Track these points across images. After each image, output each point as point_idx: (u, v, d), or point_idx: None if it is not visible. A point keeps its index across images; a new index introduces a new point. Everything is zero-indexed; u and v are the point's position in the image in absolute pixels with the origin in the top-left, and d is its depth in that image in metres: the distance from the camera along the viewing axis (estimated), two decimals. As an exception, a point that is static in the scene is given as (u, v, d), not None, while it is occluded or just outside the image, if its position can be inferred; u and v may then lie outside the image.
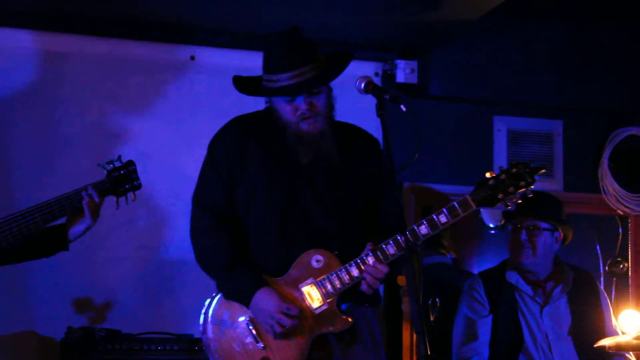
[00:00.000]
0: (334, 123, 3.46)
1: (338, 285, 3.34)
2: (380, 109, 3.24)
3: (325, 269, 3.35)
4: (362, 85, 3.28)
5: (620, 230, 6.21)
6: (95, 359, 4.55)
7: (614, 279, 6.18)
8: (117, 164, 3.86)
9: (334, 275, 3.34)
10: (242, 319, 3.39)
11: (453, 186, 5.79)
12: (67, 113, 5.17)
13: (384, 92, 3.24)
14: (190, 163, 5.25)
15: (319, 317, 3.35)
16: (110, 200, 3.94)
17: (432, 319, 5.76)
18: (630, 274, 6.14)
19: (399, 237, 3.28)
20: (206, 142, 5.25)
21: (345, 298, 3.41)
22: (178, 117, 5.34)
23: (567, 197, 5.79)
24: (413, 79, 5.69)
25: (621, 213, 6.07)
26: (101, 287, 5.11)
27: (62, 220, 3.82)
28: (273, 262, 3.41)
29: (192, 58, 5.40)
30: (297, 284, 3.37)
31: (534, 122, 6.03)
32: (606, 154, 6.01)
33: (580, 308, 4.65)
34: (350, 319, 3.37)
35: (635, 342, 4.32)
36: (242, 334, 3.38)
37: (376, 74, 5.63)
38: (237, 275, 3.39)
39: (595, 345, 4.44)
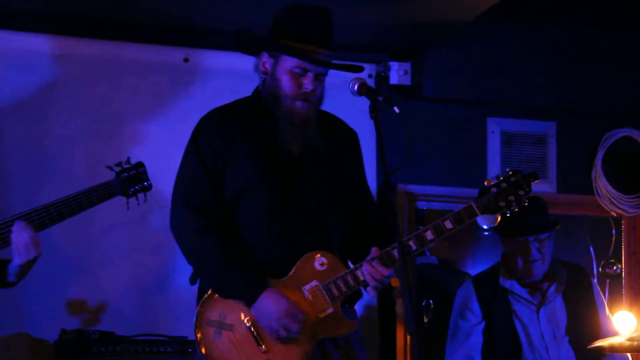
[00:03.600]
0: (319, 113, 3.44)
1: (344, 289, 3.27)
2: (374, 111, 3.23)
3: (329, 271, 3.28)
4: (356, 87, 3.27)
5: (614, 232, 6.22)
6: (89, 361, 4.55)
7: (608, 280, 6.19)
8: (126, 166, 3.82)
9: (340, 278, 3.27)
10: (242, 320, 3.27)
11: (446, 188, 5.80)
12: (60, 115, 5.17)
13: (377, 93, 3.23)
14: (184, 165, 5.28)
15: (324, 321, 3.27)
16: (111, 200, 3.93)
17: (425, 320, 5.79)
18: (623, 275, 6.15)
19: (406, 241, 3.26)
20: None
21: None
22: (172, 119, 5.33)
23: (560, 199, 5.82)
24: (406, 80, 5.70)
25: (614, 214, 6.08)
26: (95, 289, 5.10)
27: None
28: (270, 261, 3.31)
29: (186, 60, 5.40)
30: (300, 286, 3.28)
31: (527, 124, 6.04)
32: (599, 156, 6.02)
33: (575, 306, 4.63)
34: (355, 323, 3.32)
35: (628, 343, 4.32)
36: (242, 336, 3.25)
37: (369, 76, 5.63)
38: (237, 276, 3.26)
39: (588, 347, 4.44)
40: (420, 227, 5.55)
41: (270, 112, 3.39)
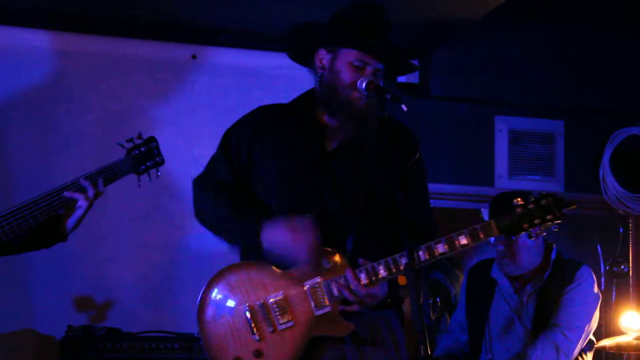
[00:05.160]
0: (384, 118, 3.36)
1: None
2: (382, 109, 3.22)
3: (334, 270, 3.23)
4: (364, 84, 3.26)
5: (621, 231, 6.21)
6: (95, 358, 4.55)
7: (615, 279, 6.18)
8: (137, 142, 3.75)
9: (342, 279, 3.21)
10: (241, 305, 3.26)
11: (454, 186, 5.80)
12: (68, 111, 5.18)
13: (385, 91, 3.22)
14: (191, 162, 5.28)
15: (319, 318, 3.23)
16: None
17: (433, 318, 5.79)
18: (631, 274, 6.14)
19: (397, 257, 3.18)
20: (206, 141, 5.27)
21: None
22: (179, 116, 5.34)
23: (567, 198, 5.78)
24: (414, 78, 5.69)
25: (622, 213, 6.07)
26: (102, 286, 5.12)
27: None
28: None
29: (194, 57, 5.41)
30: (302, 280, 3.24)
31: (535, 122, 6.03)
32: (607, 154, 6.01)
33: (545, 305, 4.57)
34: (351, 326, 3.24)
35: (635, 342, 4.32)
36: (239, 322, 3.25)
37: (377, 74, 5.62)
38: (242, 215, 3.30)
39: (595, 346, 4.42)
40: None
41: (316, 107, 3.37)
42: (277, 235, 3.22)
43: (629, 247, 6.18)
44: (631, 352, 4.64)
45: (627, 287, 6.13)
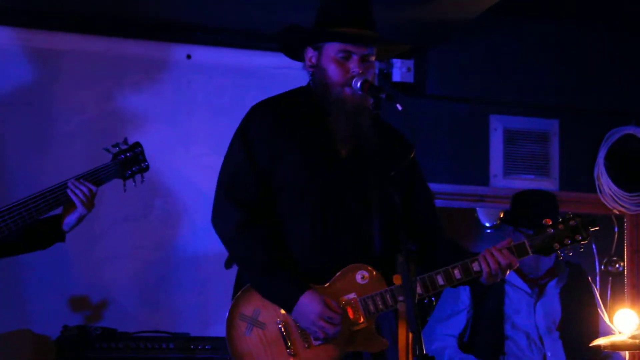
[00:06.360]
0: (376, 119, 3.36)
1: (381, 306, 3.25)
2: (376, 108, 3.22)
3: (369, 286, 3.25)
4: (358, 84, 3.26)
5: (616, 230, 6.22)
6: (91, 358, 4.54)
7: (610, 278, 6.19)
8: (123, 147, 3.80)
9: (378, 296, 3.24)
10: (274, 320, 3.25)
11: (449, 185, 5.80)
12: (63, 111, 5.17)
13: (379, 91, 3.21)
14: (187, 162, 5.29)
15: (355, 334, 3.24)
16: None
17: (427, 318, 5.78)
18: (625, 273, 6.15)
19: (450, 269, 3.27)
20: (202, 140, 5.32)
21: None
22: (174, 116, 5.34)
23: (563, 197, 5.81)
24: (409, 77, 5.69)
25: (617, 212, 6.07)
26: (97, 286, 5.10)
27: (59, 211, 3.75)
28: (311, 265, 3.26)
29: (189, 57, 5.40)
30: (338, 296, 3.24)
31: (530, 121, 6.03)
32: (602, 153, 6.02)
33: (572, 303, 4.65)
34: (387, 342, 3.27)
35: (630, 341, 4.32)
36: (272, 336, 3.23)
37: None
38: (278, 279, 3.22)
39: (590, 345, 4.44)
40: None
41: (320, 107, 3.34)
42: (304, 317, 3.19)
43: (623, 246, 6.18)
44: (626, 351, 4.65)
45: (622, 286, 6.14)
